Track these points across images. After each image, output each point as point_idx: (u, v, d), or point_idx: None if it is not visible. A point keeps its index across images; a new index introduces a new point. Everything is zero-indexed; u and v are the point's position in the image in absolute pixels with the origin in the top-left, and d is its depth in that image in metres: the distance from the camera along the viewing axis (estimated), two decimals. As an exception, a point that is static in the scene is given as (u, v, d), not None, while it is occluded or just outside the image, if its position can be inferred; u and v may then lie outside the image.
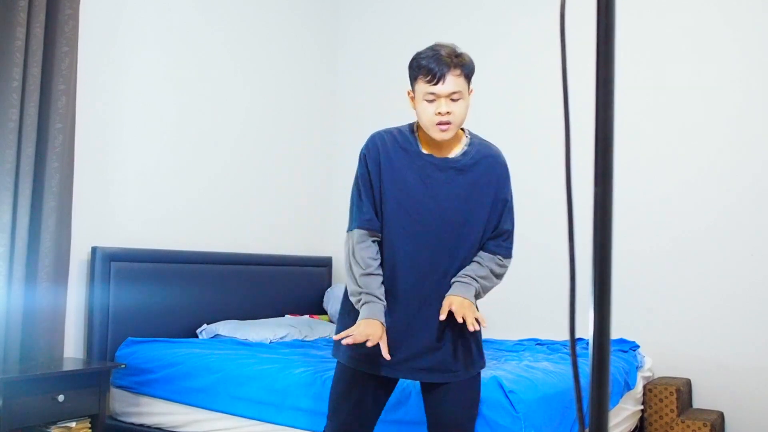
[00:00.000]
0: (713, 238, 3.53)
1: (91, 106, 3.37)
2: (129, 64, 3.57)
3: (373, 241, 2.04)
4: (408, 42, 4.70)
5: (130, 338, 3.29)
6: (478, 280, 2.02)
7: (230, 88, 4.13)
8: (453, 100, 1.99)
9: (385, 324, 1.96)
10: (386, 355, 1.92)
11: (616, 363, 3.06)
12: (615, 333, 3.45)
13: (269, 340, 3.50)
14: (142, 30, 3.63)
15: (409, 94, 2.08)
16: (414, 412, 2.40)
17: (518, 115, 4.17)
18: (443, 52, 2.00)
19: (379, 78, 4.70)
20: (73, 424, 2.80)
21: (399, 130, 2.12)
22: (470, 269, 2.04)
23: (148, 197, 3.64)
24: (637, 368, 3.30)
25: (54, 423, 2.76)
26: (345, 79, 4.87)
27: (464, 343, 2.05)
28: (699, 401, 3.52)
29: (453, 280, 2.03)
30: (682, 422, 3.18)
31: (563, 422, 2.48)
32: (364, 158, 2.07)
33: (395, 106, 4.74)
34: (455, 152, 2.08)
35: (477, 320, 1.92)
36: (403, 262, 2.03)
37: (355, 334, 1.89)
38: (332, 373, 2.68)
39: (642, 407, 3.33)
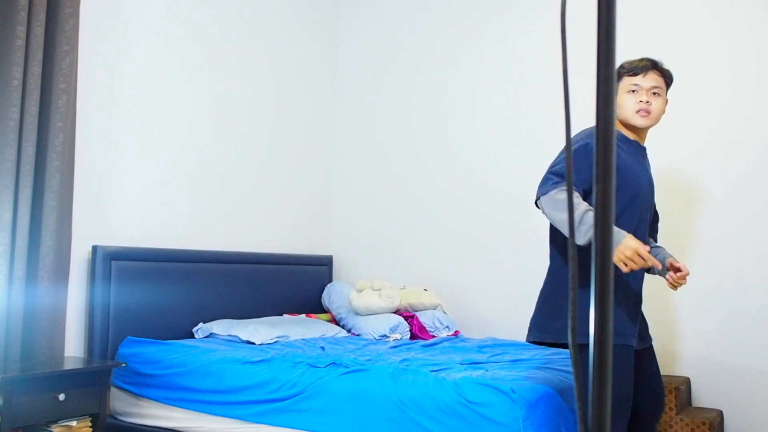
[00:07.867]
0: (713, 237, 3.53)
1: (91, 105, 3.38)
2: (129, 63, 3.57)
3: None
4: (408, 42, 4.72)
5: (129, 338, 3.29)
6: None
7: (231, 87, 4.13)
8: (654, 93, 2.30)
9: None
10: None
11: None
12: (615, 332, 3.46)
13: (270, 339, 3.50)
14: (143, 28, 3.63)
15: None
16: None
17: (518, 114, 4.17)
18: (648, 58, 2.34)
19: (379, 78, 4.70)
20: (74, 423, 2.80)
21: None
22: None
23: (149, 196, 3.65)
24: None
25: (55, 422, 2.76)
26: (345, 79, 4.87)
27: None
28: (698, 400, 3.52)
29: (660, 245, 2.55)
30: (681, 420, 3.19)
31: (563, 422, 2.48)
32: None
33: (395, 105, 4.75)
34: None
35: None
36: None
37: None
38: (329, 374, 2.69)
39: (642, 406, 3.33)
